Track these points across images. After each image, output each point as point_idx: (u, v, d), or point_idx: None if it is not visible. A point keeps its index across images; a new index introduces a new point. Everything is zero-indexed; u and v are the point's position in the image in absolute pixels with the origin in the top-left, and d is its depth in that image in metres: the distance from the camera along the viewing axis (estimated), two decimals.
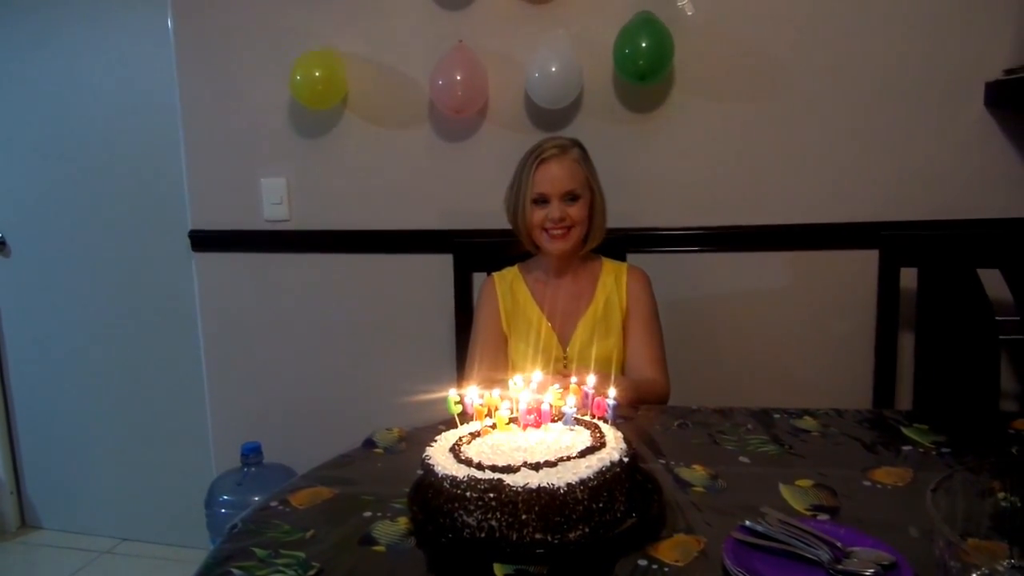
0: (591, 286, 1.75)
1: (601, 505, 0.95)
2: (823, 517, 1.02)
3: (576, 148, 1.71)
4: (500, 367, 1.70)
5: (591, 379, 1.20)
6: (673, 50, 1.93)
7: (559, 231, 1.67)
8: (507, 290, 1.77)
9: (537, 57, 2.01)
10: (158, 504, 2.73)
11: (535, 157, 1.68)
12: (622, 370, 1.72)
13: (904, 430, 1.33)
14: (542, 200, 1.67)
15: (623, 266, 1.78)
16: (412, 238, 2.26)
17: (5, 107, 2.67)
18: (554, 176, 1.66)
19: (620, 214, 1.82)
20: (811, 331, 2.09)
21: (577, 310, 1.74)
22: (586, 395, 1.17)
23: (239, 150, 2.36)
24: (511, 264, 1.83)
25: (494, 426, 1.12)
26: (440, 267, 2.08)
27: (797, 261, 2.07)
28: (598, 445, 1.02)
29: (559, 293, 1.75)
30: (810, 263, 2.06)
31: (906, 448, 1.25)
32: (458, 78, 2.04)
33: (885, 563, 0.85)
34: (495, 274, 1.82)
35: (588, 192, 1.70)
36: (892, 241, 1.83)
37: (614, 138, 2.08)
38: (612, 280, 1.75)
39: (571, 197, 1.67)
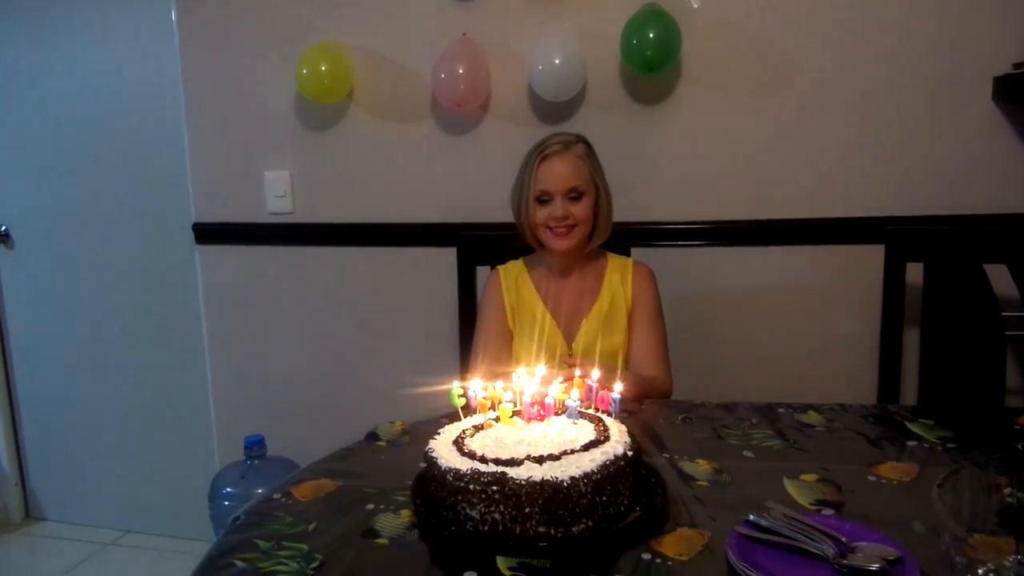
0: (596, 283, 1.74)
1: (605, 499, 0.95)
2: (828, 512, 1.01)
3: (580, 144, 1.68)
4: (504, 363, 1.69)
5: (595, 373, 1.20)
6: (681, 41, 1.92)
7: (562, 229, 1.65)
8: (512, 284, 1.76)
9: (541, 49, 2.00)
10: (162, 496, 2.74)
11: (538, 154, 1.66)
12: (626, 367, 1.70)
13: (909, 425, 1.32)
14: (545, 198, 1.65)
15: (628, 262, 1.76)
16: (416, 231, 2.26)
17: (9, 100, 2.66)
18: (556, 173, 1.64)
19: (624, 208, 1.80)
20: (816, 326, 2.09)
21: (582, 307, 1.73)
22: (590, 389, 1.17)
23: (243, 143, 2.35)
24: (515, 257, 1.81)
25: (497, 419, 1.11)
26: (444, 260, 2.07)
27: (802, 255, 2.06)
28: (602, 439, 1.02)
29: (564, 290, 1.74)
30: (816, 258, 2.05)
31: (911, 443, 1.25)
32: (460, 72, 2.03)
33: (890, 558, 0.84)
34: (500, 268, 1.80)
35: (592, 189, 1.67)
36: (898, 236, 1.82)
37: (618, 131, 2.07)
38: (618, 278, 1.73)
39: (574, 195, 1.64)
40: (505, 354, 1.73)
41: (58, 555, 2.71)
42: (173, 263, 2.55)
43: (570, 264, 1.74)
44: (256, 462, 2.31)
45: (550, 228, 1.66)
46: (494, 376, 1.21)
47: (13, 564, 2.72)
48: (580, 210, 1.65)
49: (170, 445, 2.72)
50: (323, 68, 2.11)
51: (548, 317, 1.72)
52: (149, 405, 2.72)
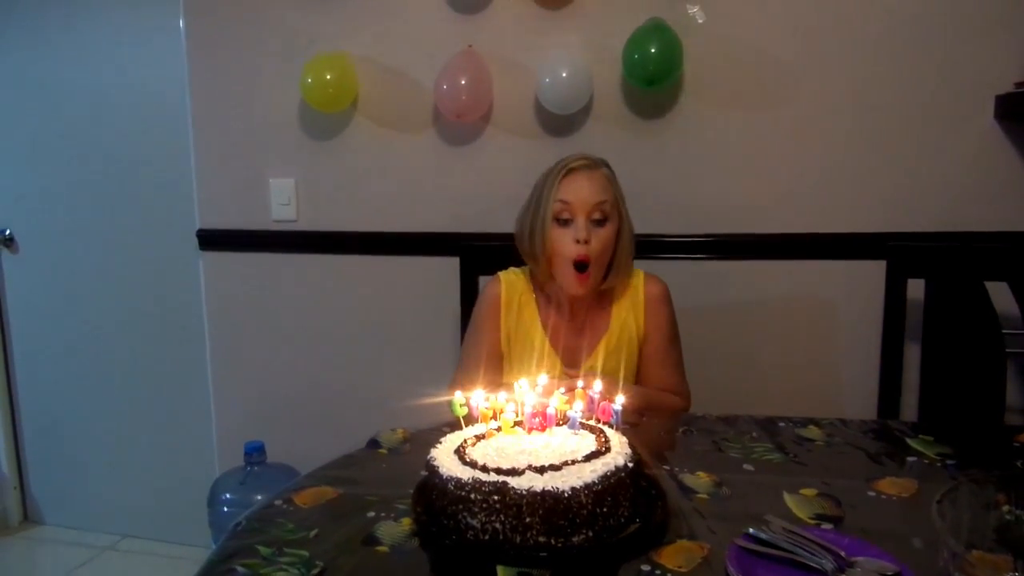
0: (606, 315, 1.61)
1: (605, 510, 0.95)
2: (827, 526, 1.02)
3: (606, 167, 1.56)
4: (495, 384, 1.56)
5: (597, 384, 1.20)
6: (683, 56, 1.94)
7: (582, 255, 1.48)
8: (514, 303, 1.62)
9: (548, 62, 2.02)
10: (161, 501, 2.73)
11: (561, 167, 1.52)
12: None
13: (909, 441, 1.33)
14: (566, 216, 1.49)
15: (640, 284, 1.62)
16: (419, 240, 2.27)
17: (15, 104, 2.68)
18: (581, 186, 1.49)
19: None
20: (817, 340, 2.09)
21: (588, 342, 1.60)
22: (592, 400, 1.17)
23: (248, 150, 2.37)
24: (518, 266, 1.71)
25: (499, 429, 1.12)
26: (447, 270, 2.08)
27: (804, 270, 2.06)
28: (603, 450, 1.02)
29: (571, 322, 1.61)
30: (817, 272, 2.06)
31: (911, 459, 1.25)
32: (463, 83, 2.04)
33: (889, 573, 0.85)
34: (503, 277, 1.66)
35: (616, 217, 1.53)
36: (899, 252, 1.83)
37: (623, 144, 2.08)
38: (628, 305, 1.60)
39: (600, 217, 1.49)
40: (496, 377, 1.61)
41: (56, 559, 2.71)
42: (176, 269, 2.55)
43: (579, 299, 1.59)
44: (256, 468, 2.31)
45: (574, 266, 1.49)
46: (496, 387, 1.21)
47: (11, 568, 2.72)
48: (601, 239, 1.49)
49: (170, 450, 2.72)
50: (328, 77, 2.13)
51: (548, 348, 1.59)
52: (149, 410, 2.72)
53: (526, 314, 1.62)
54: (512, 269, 1.69)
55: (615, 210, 1.53)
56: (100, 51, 2.54)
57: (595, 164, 1.55)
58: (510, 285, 1.64)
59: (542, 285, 1.63)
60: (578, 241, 1.48)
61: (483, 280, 1.91)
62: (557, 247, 1.51)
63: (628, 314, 1.61)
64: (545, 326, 1.61)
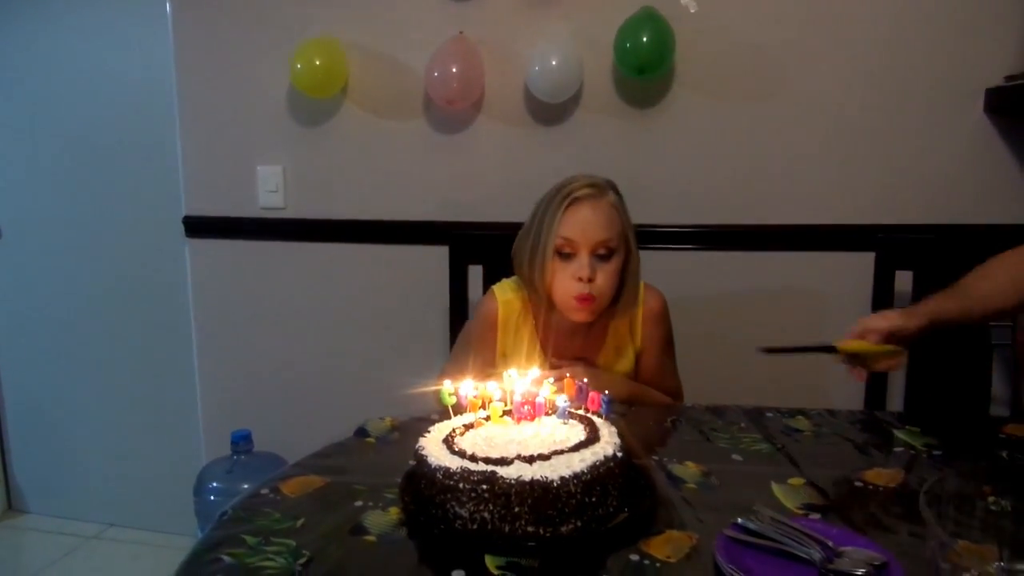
0: (603, 329, 1.58)
1: (594, 499, 0.95)
2: (814, 516, 1.02)
3: (613, 192, 1.46)
4: None
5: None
6: (674, 45, 1.93)
7: (585, 293, 1.42)
8: (511, 322, 1.56)
9: (538, 50, 2.01)
10: (146, 490, 2.72)
11: (564, 196, 1.42)
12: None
13: (896, 432, 1.33)
14: (568, 251, 1.42)
15: (638, 301, 1.56)
16: (408, 229, 2.26)
17: None
18: (587, 221, 1.41)
19: None
20: (805, 331, 2.09)
21: (585, 356, 1.58)
22: (580, 389, 1.17)
23: (236, 137, 2.34)
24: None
25: (488, 418, 1.11)
26: (436, 258, 2.07)
27: (793, 261, 2.07)
28: (592, 439, 1.02)
29: (569, 340, 1.57)
30: (806, 264, 2.06)
31: (898, 450, 1.26)
32: (454, 70, 2.03)
33: (876, 563, 0.85)
34: (499, 297, 1.57)
35: (623, 247, 1.45)
36: (888, 244, 1.84)
37: (613, 133, 2.07)
38: (626, 319, 1.56)
39: (605, 252, 1.42)
40: None
41: (41, 548, 2.69)
42: (163, 256, 2.53)
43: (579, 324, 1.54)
44: (243, 457, 2.30)
45: (573, 298, 1.43)
46: (485, 376, 1.21)
47: None
48: (607, 274, 1.43)
49: (156, 439, 2.70)
50: (318, 62, 2.11)
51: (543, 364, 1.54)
52: (135, 398, 2.70)
53: (523, 333, 1.57)
54: (507, 284, 1.61)
55: (622, 241, 1.45)
56: (85, 36, 2.50)
57: (601, 191, 1.45)
58: (507, 305, 1.57)
59: (538, 307, 1.57)
60: (580, 279, 1.42)
61: (473, 269, 1.90)
62: (557, 282, 1.45)
63: (625, 330, 1.58)
64: (544, 346, 1.57)
